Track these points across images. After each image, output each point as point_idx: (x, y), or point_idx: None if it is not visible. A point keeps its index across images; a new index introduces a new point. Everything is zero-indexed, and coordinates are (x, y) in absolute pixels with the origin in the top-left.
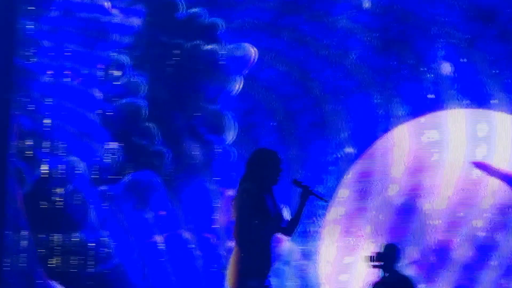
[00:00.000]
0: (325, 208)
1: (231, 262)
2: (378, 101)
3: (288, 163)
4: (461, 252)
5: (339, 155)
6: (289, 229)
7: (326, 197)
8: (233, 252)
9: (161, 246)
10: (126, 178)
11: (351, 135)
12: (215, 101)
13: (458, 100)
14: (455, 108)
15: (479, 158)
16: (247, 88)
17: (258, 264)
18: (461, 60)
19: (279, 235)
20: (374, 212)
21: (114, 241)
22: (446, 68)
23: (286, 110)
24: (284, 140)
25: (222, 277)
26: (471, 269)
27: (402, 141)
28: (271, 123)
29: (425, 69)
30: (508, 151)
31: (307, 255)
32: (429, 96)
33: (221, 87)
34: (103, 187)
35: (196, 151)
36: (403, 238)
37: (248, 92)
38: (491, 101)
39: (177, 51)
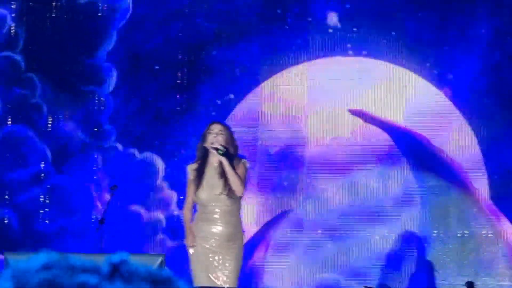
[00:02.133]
0: None
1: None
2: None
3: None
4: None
5: (218, 102)
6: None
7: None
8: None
9: (42, 199)
10: (5, 131)
11: (234, 82)
12: (93, 54)
13: (341, 49)
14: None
15: (358, 105)
16: (126, 40)
17: None
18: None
19: None
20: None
21: None
22: (333, 18)
23: (167, 61)
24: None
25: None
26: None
27: (280, 88)
28: (148, 77)
29: (310, 19)
30: (387, 99)
31: None
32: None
33: (100, 40)
34: None
35: (75, 104)
36: (278, 186)
37: (127, 45)
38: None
39: (55, 3)
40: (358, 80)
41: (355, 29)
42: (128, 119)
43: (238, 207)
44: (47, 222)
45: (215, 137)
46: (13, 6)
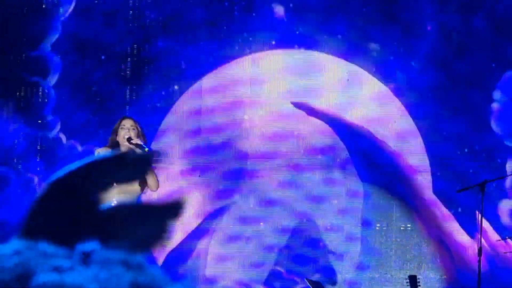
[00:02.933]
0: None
1: None
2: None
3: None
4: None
5: (163, 93)
6: None
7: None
8: None
9: None
10: None
11: (178, 74)
12: (37, 45)
13: (287, 42)
14: (271, 49)
15: (301, 98)
16: (71, 31)
17: None
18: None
19: None
20: (193, 153)
21: None
22: (279, 11)
23: (112, 51)
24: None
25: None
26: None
27: (224, 80)
28: (93, 67)
29: (256, 12)
30: (331, 92)
31: None
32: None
33: (44, 32)
34: None
35: (18, 96)
36: (221, 178)
37: (70, 36)
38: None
39: None
40: (302, 73)
41: (301, 23)
42: (72, 110)
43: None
44: None
45: (127, 131)
46: None
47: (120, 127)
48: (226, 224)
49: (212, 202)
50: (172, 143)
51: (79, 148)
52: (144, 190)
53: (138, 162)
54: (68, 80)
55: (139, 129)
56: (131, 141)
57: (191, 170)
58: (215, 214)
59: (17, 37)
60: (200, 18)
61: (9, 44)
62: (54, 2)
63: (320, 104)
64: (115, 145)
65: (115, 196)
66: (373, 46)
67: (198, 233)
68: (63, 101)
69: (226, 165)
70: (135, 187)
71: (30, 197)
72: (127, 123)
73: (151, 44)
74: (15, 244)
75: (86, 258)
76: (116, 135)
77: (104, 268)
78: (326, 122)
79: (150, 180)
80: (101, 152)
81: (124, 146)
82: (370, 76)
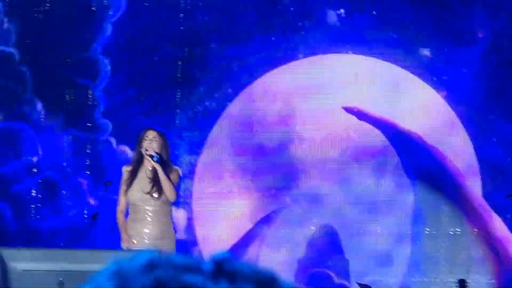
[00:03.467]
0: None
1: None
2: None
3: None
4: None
5: (216, 95)
6: None
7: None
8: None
9: (34, 193)
10: None
11: (231, 77)
12: (88, 47)
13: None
14: (322, 53)
15: (352, 103)
16: (121, 34)
17: None
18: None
19: None
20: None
21: None
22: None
23: (164, 54)
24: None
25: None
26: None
27: (276, 85)
28: (142, 71)
29: (309, 17)
30: (382, 97)
31: None
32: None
33: (94, 33)
34: None
35: (68, 98)
36: (272, 183)
37: (121, 39)
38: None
39: None
40: (353, 78)
41: (352, 28)
42: (123, 113)
43: (169, 209)
44: (38, 217)
45: (149, 143)
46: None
47: (143, 138)
48: (277, 229)
49: (263, 207)
50: (224, 147)
51: (129, 153)
52: (161, 198)
53: None
54: (118, 83)
55: (162, 140)
56: (146, 152)
57: (242, 174)
58: (266, 219)
59: (67, 39)
60: (252, 22)
61: (59, 46)
62: (104, 4)
63: (370, 108)
64: (139, 156)
65: (134, 198)
66: (425, 52)
67: (249, 238)
68: (114, 104)
69: (277, 169)
70: (148, 189)
71: (79, 202)
72: (150, 134)
73: (202, 47)
74: (147, 256)
75: (218, 271)
76: (140, 146)
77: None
78: (377, 127)
79: (167, 190)
80: (126, 169)
81: (147, 157)
82: (421, 82)
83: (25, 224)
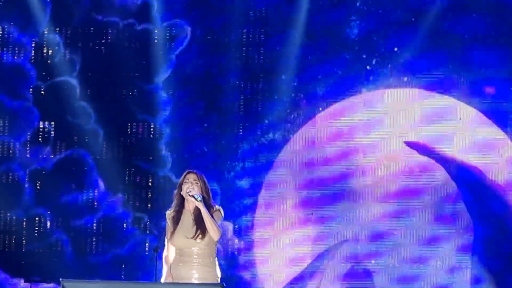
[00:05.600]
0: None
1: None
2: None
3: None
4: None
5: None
6: None
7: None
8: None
9: (95, 226)
10: (59, 157)
11: (293, 110)
12: (149, 80)
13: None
14: (393, 87)
15: (412, 137)
16: (181, 67)
17: None
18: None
19: None
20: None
21: (48, 219)
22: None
23: (217, 91)
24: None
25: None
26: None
27: (337, 119)
28: (204, 104)
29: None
30: (442, 131)
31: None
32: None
33: (155, 67)
34: (36, 166)
35: (129, 131)
36: (333, 217)
37: (182, 72)
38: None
39: (111, 30)
40: (415, 112)
41: (412, 62)
42: (184, 147)
43: (214, 249)
44: (99, 249)
45: (190, 185)
46: (69, 32)
47: (184, 181)
48: (337, 262)
49: (324, 240)
50: (286, 180)
51: None
52: (205, 239)
53: None
54: (179, 115)
55: (202, 183)
56: (188, 193)
57: (303, 207)
58: (326, 252)
59: (129, 72)
60: (320, 53)
61: (121, 78)
62: (167, 37)
63: (432, 143)
64: (180, 199)
65: (179, 244)
66: (488, 89)
67: (309, 272)
68: (175, 137)
69: (338, 203)
70: (194, 232)
71: (140, 235)
72: (190, 177)
73: (266, 80)
74: None
75: None
76: (181, 189)
77: None
78: (438, 161)
79: (210, 229)
80: (169, 215)
81: (188, 200)
82: (481, 115)
83: (86, 257)
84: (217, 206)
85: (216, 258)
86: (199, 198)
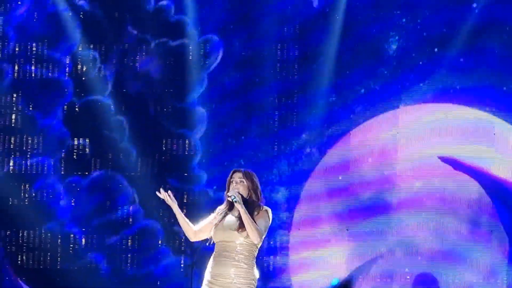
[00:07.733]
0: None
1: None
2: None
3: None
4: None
5: (308, 150)
6: None
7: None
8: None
9: (130, 242)
10: (94, 174)
11: (328, 125)
12: (184, 97)
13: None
14: (421, 103)
15: (446, 152)
16: (215, 84)
17: None
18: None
19: None
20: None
21: (83, 236)
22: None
23: (253, 105)
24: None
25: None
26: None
27: (371, 135)
28: (240, 120)
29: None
30: (477, 147)
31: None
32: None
33: (190, 83)
34: (71, 183)
35: (164, 148)
36: (368, 232)
37: (216, 88)
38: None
39: (145, 46)
40: (448, 127)
41: (451, 78)
42: (219, 163)
43: (253, 250)
44: (134, 266)
45: (235, 185)
46: (103, 48)
47: (230, 180)
48: (373, 278)
49: (359, 255)
50: (321, 195)
51: None
52: (246, 239)
53: None
54: (214, 132)
55: (249, 181)
56: (227, 194)
57: (338, 222)
58: (362, 268)
59: (164, 89)
60: (356, 68)
61: (156, 96)
62: (200, 54)
63: (466, 158)
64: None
65: (220, 236)
66: None
67: None
68: (210, 153)
69: (373, 218)
70: (234, 230)
71: (175, 252)
72: (236, 176)
73: (300, 97)
74: None
75: None
76: (228, 188)
77: None
78: (472, 177)
79: (249, 231)
80: (219, 207)
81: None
82: None
83: (121, 273)
84: (265, 207)
85: (254, 261)
86: (235, 199)
